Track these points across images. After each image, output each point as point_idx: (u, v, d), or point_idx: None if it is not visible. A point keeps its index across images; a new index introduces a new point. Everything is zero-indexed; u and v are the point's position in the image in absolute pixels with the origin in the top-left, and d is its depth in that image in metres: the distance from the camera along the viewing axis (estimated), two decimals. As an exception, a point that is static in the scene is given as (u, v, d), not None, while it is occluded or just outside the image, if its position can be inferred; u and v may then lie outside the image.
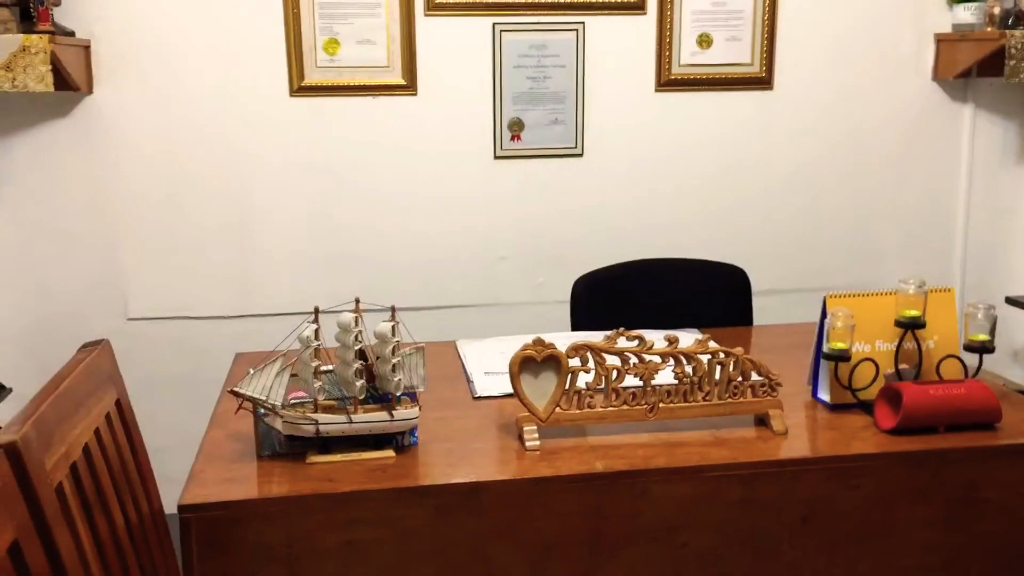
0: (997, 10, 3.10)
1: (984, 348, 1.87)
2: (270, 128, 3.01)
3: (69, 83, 2.72)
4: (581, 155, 3.18)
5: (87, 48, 2.85)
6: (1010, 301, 3.20)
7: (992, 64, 3.12)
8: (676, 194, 3.25)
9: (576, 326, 2.62)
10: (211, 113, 2.98)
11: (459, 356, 2.27)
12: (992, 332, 1.88)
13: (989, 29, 3.12)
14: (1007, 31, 3.04)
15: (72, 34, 2.78)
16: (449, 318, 3.16)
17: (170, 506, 1.58)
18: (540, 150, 3.16)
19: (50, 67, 2.55)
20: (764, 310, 2.83)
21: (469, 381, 2.08)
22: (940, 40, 3.28)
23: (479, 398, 1.99)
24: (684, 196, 3.26)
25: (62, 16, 2.77)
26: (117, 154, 2.96)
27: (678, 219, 3.26)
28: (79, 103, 2.91)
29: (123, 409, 1.40)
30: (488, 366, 2.15)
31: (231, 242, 3.06)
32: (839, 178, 3.35)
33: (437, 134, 3.10)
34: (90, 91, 2.89)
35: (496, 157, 3.14)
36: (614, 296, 2.65)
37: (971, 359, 1.89)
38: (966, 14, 3.17)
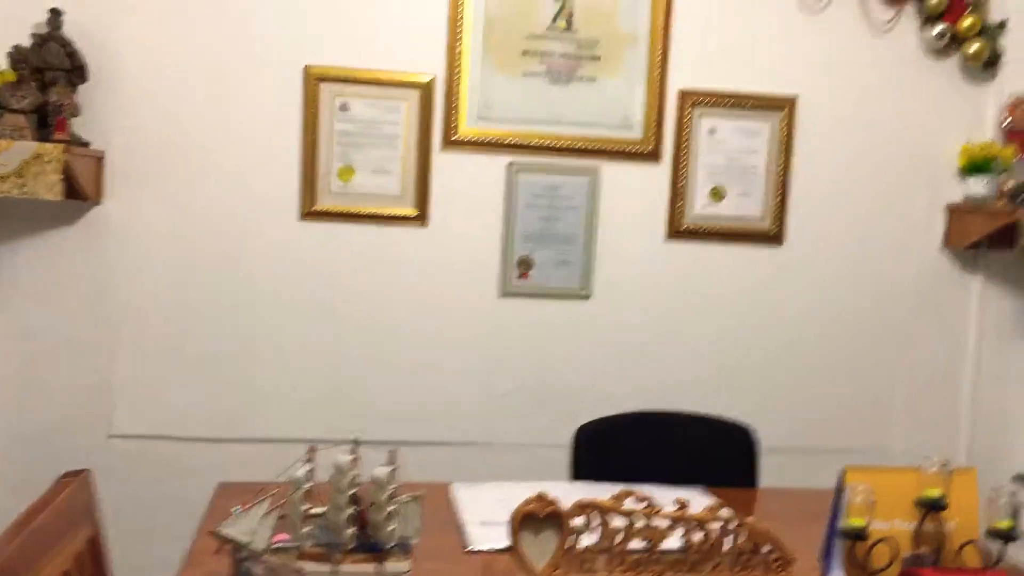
0: (1009, 184, 3.12)
1: (1008, 536, 1.78)
2: (278, 251, 2.98)
3: (79, 192, 2.69)
4: (588, 298, 3.14)
5: (100, 159, 2.84)
6: (1019, 478, 3.11)
7: (1003, 237, 3.12)
8: (683, 344, 3.20)
9: (577, 475, 2.52)
10: (219, 231, 2.95)
11: (452, 501, 2.17)
12: (1016, 518, 1.79)
13: (1000, 203, 3.14)
14: (1020, 207, 3.05)
15: (87, 144, 2.77)
16: (445, 455, 3.05)
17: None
18: (547, 290, 3.12)
19: (62, 176, 2.52)
20: (768, 467, 2.73)
21: (462, 530, 1.97)
22: (951, 210, 3.30)
23: (473, 550, 1.88)
24: (691, 346, 3.21)
25: (79, 125, 2.77)
26: (121, 265, 2.91)
27: (684, 369, 3.20)
28: (87, 212, 2.88)
29: (96, 547, 1.30)
30: (483, 515, 2.04)
31: (228, 363, 2.98)
32: (847, 340, 3.30)
33: (445, 267, 3.06)
34: (99, 201, 2.87)
35: (503, 295, 3.10)
36: (617, 447, 2.56)
37: (992, 545, 1.80)
38: (978, 186, 3.20)
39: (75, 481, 1.24)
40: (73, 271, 2.89)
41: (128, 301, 2.92)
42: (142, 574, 2.53)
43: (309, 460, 1.58)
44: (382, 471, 1.58)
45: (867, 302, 3.30)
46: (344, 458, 1.58)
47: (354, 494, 1.59)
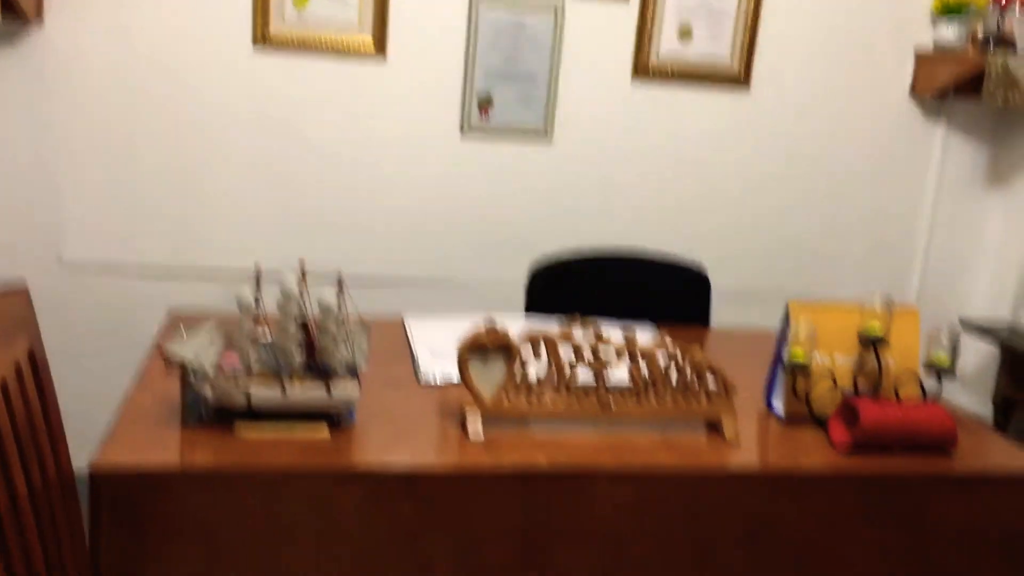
0: (980, 31, 3.07)
1: (945, 371, 1.83)
2: (229, 78, 2.88)
3: (16, 11, 2.56)
4: (549, 138, 3.10)
5: (40, -25, 2.70)
6: (965, 324, 3.19)
7: (970, 85, 3.09)
8: (643, 186, 3.19)
9: (531, 311, 2.54)
10: (169, 55, 2.84)
11: (407, 333, 2.18)
12: (954, 355, 1.84)
13: (970, 50, 3.09)
14: (988, 54, 3.01)
15: (24, -41, 2.62)
16: (400, 291, 3.06)
17: (84, 463, 1.47)
18: (508, 129, 3.06)
19: (-3, -9, 2.39)
20: (721, 311, 2.78)
21: (415, 362, 1.99)
22: (920, 57, 3.25)
23: (424, 381, 1.90)
24: (651, 189, 3.20)
25: (15, -61, 2.61)
26: (66, 89, 2.81)
27: (643, 211, 3.20)
28: (28, 35, 2.75)
29: (36, 360, 1.29)
30: (436, 347, 2.06)
31: (179, 192, 2.92)
32: (807, 184, 3.31)
33: (404, 103, 2.99)
34: (40, 21, 2.73)
35: (462, 132, 3.04)
36: (571, 284, 2.58)
37: (930, 380, 1.85)
38: (948, 32, 3.14)
39: (10, 294, 1.22)
40: (15, 96, 2.79)
41: (73, 127, 2.83)
42: (91, 399, 2.55)
43: (256, 283, 1.57)
44: (329, 296, 1.57)
45: (830, 148, 3.30)
46: (292, 282, 1.56)
47: (303, 321, 1.59)
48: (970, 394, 3.38)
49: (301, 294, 1.57)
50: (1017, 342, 3.06)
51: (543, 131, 3.08)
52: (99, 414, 2.23)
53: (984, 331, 3.15)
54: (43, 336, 2.78)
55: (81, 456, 1.62)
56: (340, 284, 1.60)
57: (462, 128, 3.04)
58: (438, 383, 1.88)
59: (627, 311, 2.43)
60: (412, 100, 2.99)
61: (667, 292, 2.62)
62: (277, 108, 2.93)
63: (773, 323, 2.44)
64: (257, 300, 1.55)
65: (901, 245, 3.43)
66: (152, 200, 2.91)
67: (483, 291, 3.12)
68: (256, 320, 1.55)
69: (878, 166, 3.34)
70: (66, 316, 2.90)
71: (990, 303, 3.44)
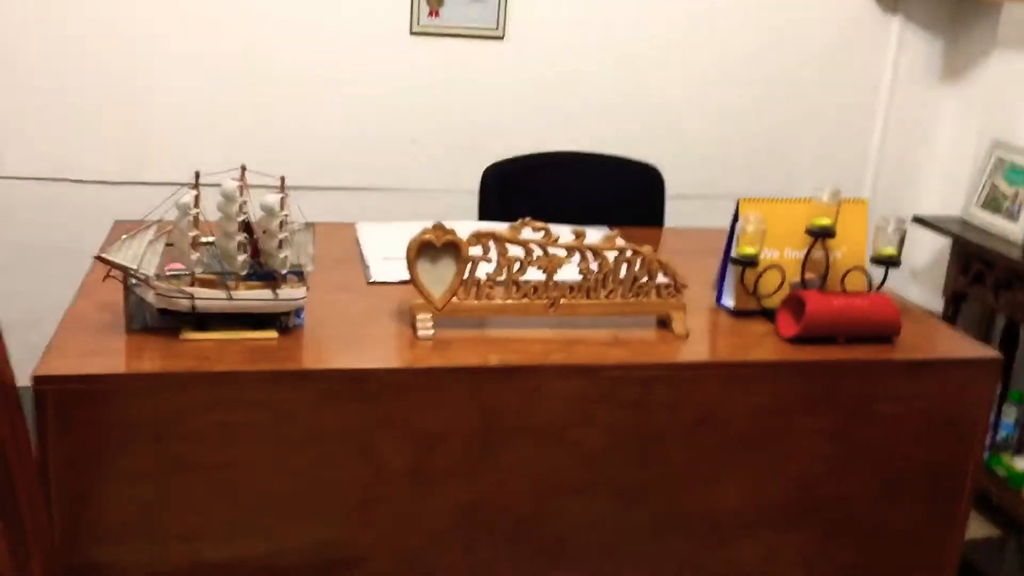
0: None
1: (891, 262, 1.84)
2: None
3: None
4: (502, 38, 3.03)
5: None
6: (917, 220, 3.22)
7: (925, -23, 3.06)
8: (597, 87, 3.14)
9: (484, 216, 2.52)
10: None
11: (356, 239, 2.16)
12: (900, 247, 1.85)
13: (926, -60, 3.05)
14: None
15: None
16: (352, 200, 3.02)
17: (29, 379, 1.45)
18: (460, 29, 2.99)
19: None
20: (676, 213, 2.77)
21: (365, 265, 1.98)
22: (876, -53, 3.20)
23: (374, 283, 1.89)
24: (606, 89, 3.15)
25: None
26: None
27: (596, 112, 3.16)
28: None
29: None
30: (387, 251, 2.04)
31: (121, 100, 2.84)
32: (761, 82, 3.28)
33: (352, 3, 2.90)
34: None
35: (412, 33, 2.97)
36: (525, 188, 2.56)
37: (877, 272, 1.87)
38: (905, -78, 3.09)
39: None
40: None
41: (4, 28, 2.72)
42: (39, 306, 2.50)
43: (195, 187, 1.53)
44: (272, 198, 1.54)
45: (783, 40, 3.26)
46: (232, 184, 1.53)
47: (245, 222, 1.56)
48: (923, 288, 3.44)
49: (242, 196, 1.53)
50: (968, 236, 3.10)
51: (496, 30, 3.01)
52: (43, 327, 2.20)
53: (935, 227, 3.18)
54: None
55: (25, 369, 1.61)
56: (283, 185, 1.57)
57: (412, 30, 2.96)
58: (388, 283, 1.87)
59: (582, 213, 2.41)
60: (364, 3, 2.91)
61: (621, 193, 2.61)
62: (220, 10, 2.83)
63: (725, 223, 2.45)
64: (197, 201, 1.52)
65: (855, 142, 3.43)
66: (94, 111, 2.83)
67: (437, 198, 3.09)
68: (196, 223, 1.52)
69: (833, 61, 3.31)
70: (7, 229, 2.83)
71: (943, 198, 3.47)
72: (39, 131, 2.81)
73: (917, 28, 3.34)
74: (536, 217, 2.22)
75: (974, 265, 3.10)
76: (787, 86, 3.30)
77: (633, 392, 1.62)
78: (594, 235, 1.73)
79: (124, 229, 2.04)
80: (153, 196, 2.84)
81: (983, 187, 3.21)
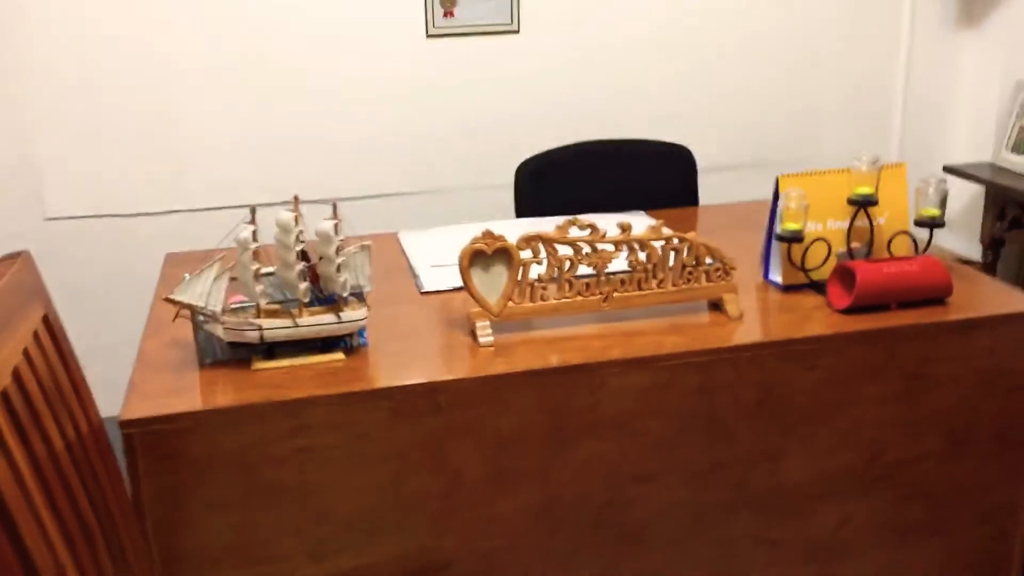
0: None
1: (935, 223, 1.86)
2: (189, 8, 2.81)
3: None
4: (517, 31, 3.05)
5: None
6: (948, 169, 3.21)
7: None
8: (615, 72, 3.16)
9: (521, 212, 2.55)
10: (120, -5, 2.77)
11: (401, 249, 2.20)
12: (943, 206, 1.87)
13: None
14: None
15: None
16: (386, 207, 3.07)
17: (104, 412, 1.50)
18: (475, 27, 3.01)
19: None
20: (707, 187, 2.79)
21: (414, 275, 2.01)
22: (883, -99, 3.18)
23: (426, 293, 1.92)
24: (623, 72, 3.17)
25: None
26: (28, 33, 2.73)
27: (619, 97, 3.18)
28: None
29: (51, 324, 1.31)
30: (434, 259, 2.08)
31: (154, 132, 2.89)
32: (779, 46, 3.28)
33: (366, 12, 2.93)
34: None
35: (429, 36, 2.99)
36: (559, 180, 2.58)
37: (921, 233, 1.88)
38: None
39: (16, 262, 1.23)
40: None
41: (39, 72, 2.77)
42: (102, 352, 2.57)
43: (251, 221, 1.57)
44: (327, 224, 1.58)
45: (798, 5, 3.25)
46: (287, 215, 1.57)
47: (302, 251, 1.60)
48: (958, 238, 3.44)
49: (298, 226, 1.57)
50: (1001, 181, 3.10)
51: (510, 24, 3.03)
52: (108, 362, 2.26)
53: (968, 175, 3.18)
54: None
55: (102, 405, 1.66)
56: (335, 210, 1.61)
57: (428, 32, 2.99)
58: (440, 292, 1.91)
59: (615, 199, 2.45)
60: (375, 9, 2.93)
61: (653, 175, 2.63)
62: (243, 33, 2.87)
63: (759, 193, 2.47)
64: (255, 235, 1.56)
65: (879, 97, 3.42)
66: (129, 147, 2.88)
67: (470, 197, 3.12)
68: (256, 256, 1.56)
69: (850, 16, 3.30)
70: (59, 272, 2.89)
71: (972, 145, 3.46)
72: (77, 174, 2.87)
73: (933, -25, 3.32)
74: (573, 207, 2.26)
75: (1010, 210, 3.10)
76: (806, 48, 3.29)
77: (694, 378, 1.65)
78: (639, 226, 1.75)
79: (176, 261, 2.10)
80: (193, 223, 2.93)
81: (1012, 130, 3.20)
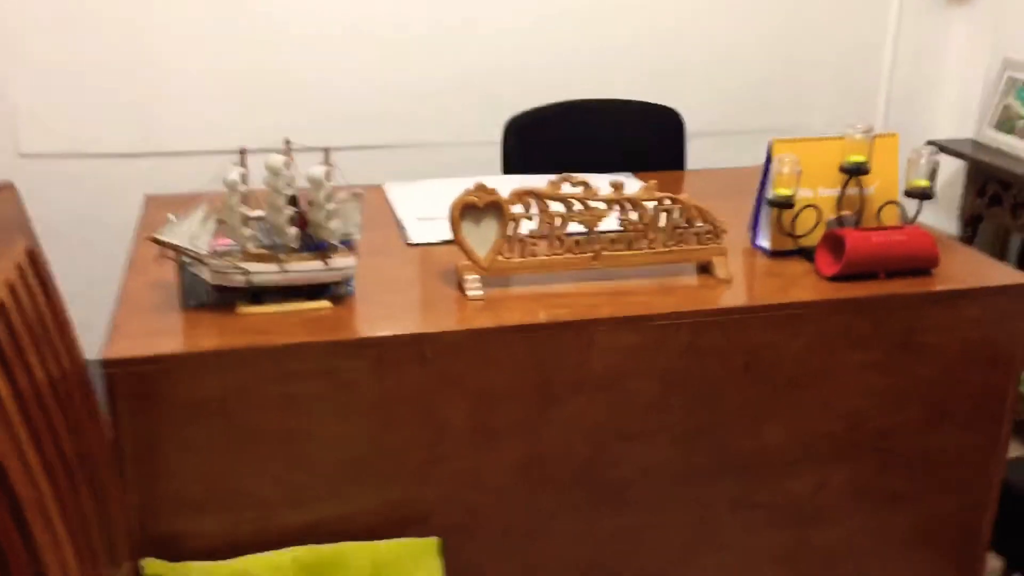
0: None
1: (925, 194, 1.86)
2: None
3: None
4: (511, -17, 3.00)
5: None
6: (931, 144, 3.21)
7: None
8: (606, 28, 3.12)
9: (508, 169, 2.52)
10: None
11: (387, 200, 2.17)
12: (933, 178, 1.87)
13: None
14: None
15: None
16: (375, 158, 3.02)
17: (86, 353, 1.47)
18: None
19: None
20: (694, 151, 2.78)
21: (401, 227, 1.99)
22: None
23: (413, 244, 1.90)
24: (615, 30, 3.13)
25: None
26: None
27: (609, 54, 3.14)
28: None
29: (35, 259, 1.28)
30: (420, 211, 2.06)
31: (134, 70, 2.82)
32: (770, 14, 3.26)
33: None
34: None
35: (417, -16, 2.94)
36: (546, 139, 2.56)
37: (909, 204, 1.89)
38: None
39: (1, 191, 1.20)
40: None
41: (13, 8, 2.69)
42: (77, 292, 2.52)
43: (241, 164, 1.54)
44: (319, 170, 1.55)
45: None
46: (278, 158, 1.54)
47: (292, 196, 1.57)
48: (938, 212, 3.46)
49: (289, 170, 1.54)
50: (982, 157, 3.11)
51: (502, -23, 2.98)
52: (83, 302, 2.22)
53: (950, 150, 3.19)
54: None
55: (83, 343, 1.63)
56: (327, 157, 1.58)
57: (418, -19, 2.93)
58: (427, 244, 1.89)
59: (603, 159, 2.43)
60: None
61: (643, 137, 2.61)
62: (224, -25, 2.80)
63: (744, 159, 2.46)
64: (244, 178, 1.53)
65: (866, 70, 3.42)
66: (109, 84, 2.81)
67: (456, 152, 3.09)
68: (245, 200, 1.53)
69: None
70: (33, 210, 2.83)
71: (956, 122, 3.47)
72: (53, 108, 2.79)
73: (924, -50, 3.31)
74: (560, 166, 2.24)
75: (990, 187, 3.12)
76: (796, 17, 3.28)
77: (683, 339, 1.65)
78: (632, 185, 1.74)
79: (157, 203, 2.06)
80: (173, 165, 2.87)
81: (996, 108, 3.21)
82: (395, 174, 2.95)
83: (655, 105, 2.67)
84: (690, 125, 2.71)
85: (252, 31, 2.87)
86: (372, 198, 2.17)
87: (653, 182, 1.75)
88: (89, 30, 2.75)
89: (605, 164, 2.39)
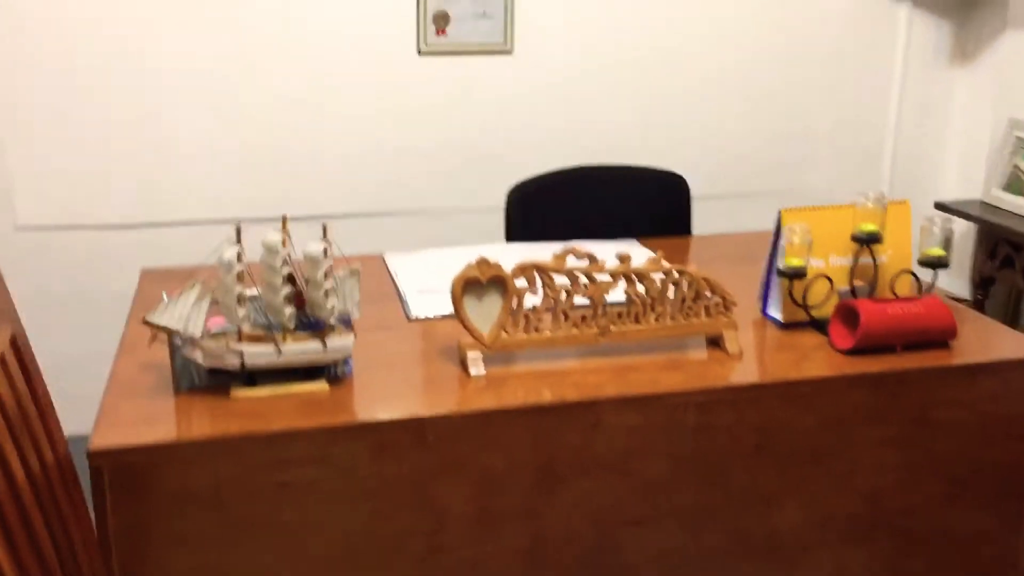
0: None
1: (939, 263, 1.81)
2: (173, 11, 2.73)
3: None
4: (511, 52, 3.00)
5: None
6: (939, 206, 3.19)
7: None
8: (610, 96, 3.11)
9: (511, 237, 2.48)
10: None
11: (388, 271, 2.13)
12: (947, 246, 1.82)
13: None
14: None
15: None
16: (372, 226, 2.99)
17: (71, 429, 1.41)
18: (468, 46, 2.96)
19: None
20: (698, 216, 2.75)
21: (402, 300, 1.94)
22: (881, -66, 3.17)
23: (415, 319, 1.85)
24: (617, 97, 3.12)
25: None
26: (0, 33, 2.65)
27: (612, 121, 3.13)
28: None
29: (19, 347, 1.23)
30: (422, 283, 2.01)
31: (132, 140, 2.80)
32: (772, 77, 3.25)
33: (357, 27, 2.87)
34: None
35: (420, 53, 2.93)
36: (550, 205, 2.52)
37: (924, 273, 1.84)
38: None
39: (-17, 283, 1.15)
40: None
41: (10, 76, 2.68)
42: (70, 367, 2.48)
43: (237, 240, 1.50)
44: (316, 247, 1.50)
45: (791, 38, 3.23)
46: (274, 236, 1.50)
47: (288, 274, 1.53)
48: (949, 274, 3.41)
49: (285, 248, 1.50)
50: (992, 219, 3.07)
51: (504, 44, 2.98)
52: (76, 377, 2.18)
53: (959, 212, 3.15)
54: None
55: (70, 422, 1.57)
56: (324, 232, 1.53)
57: (420, 50, 2.92)
58: (429, 319, 1.84)
59: (609, 227, 2.40)
60: (366, 25, 2.87)
61: (647, 204, 2.58)
62: (225, 40, 2.79)
63: (750, 222, 2.42)
64: (239, 256, 1.49)
65: (870, 131, 3.40)
66: (105, 155, 2.79)
67: (458, 220, 3.06)
68: (240, 278, 1.49)
69: (843, 51, 3.29)
70: (29, 283, 2.81)
71: (962, 182, 3.44)
72: (50, 180, 2.77)
73: (926, 12, 3.30)
74: (564, 233, 2.19)
75: (1001, 249, 3.07)
76: (799, 80, 3.27)
77: (691, 418, 1.59)
78: (638, 256, 1.69)
79: (153, 277, 2.02)
80: (171, 236, 2.84)
81: (1004, 169, 3.18)
82: (396, 241, 2.93)
83: (657, 170, 2.64)
84: (694, 188, 2.68)
85: (251, 100, 2.85)
86: (373, 268, 2.14)
87: (660, 253, 1.70)
88: (85, 102, 2.74)
89: (609, 230, 2.35)
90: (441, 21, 2.92)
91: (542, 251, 2.16)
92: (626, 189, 2.60)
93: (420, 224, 3.04)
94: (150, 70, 2.76)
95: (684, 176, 2.63)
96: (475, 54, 2.97)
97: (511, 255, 2.11)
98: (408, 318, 1.86)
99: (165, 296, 1.48)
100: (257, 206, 2.88)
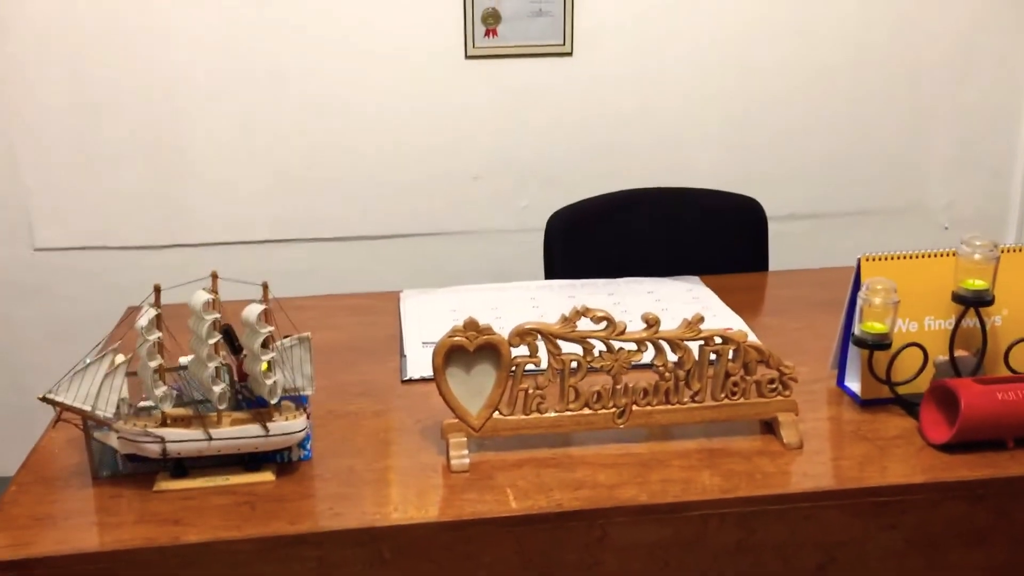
0: None
1: (1072, 330, 1.40)
2: (196, 20, 2.50)
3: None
4: (570, 53, 2.66)
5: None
6: (1078, 231, 2.70)
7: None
8: (682, 103, 2.73)
9: (551, 271, 2.15)
10: (115, 20, 2.48)
11: (399, 314, 1.84)
12: (1083, 308, 1.41)
13: None
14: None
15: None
16: (416, 248, 2.70)
17: None
18: (520, 48, 2.63)
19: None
20: (782, 237, 2.36)
21: (402, 355, 1.65)
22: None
23: (408, 381, 1.56)
24: (691, 105, 2.73)
25: None
26: (15, 54, 2.48)
27: (682, 133, 2.74)
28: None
29: None
30: (427, 333, 1.71)
31: (154, 159, 2.59)
32: (882, 81, 2.79)
33: (400, 28, 2.58)
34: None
35: (468, 57, 2.63)
36: (599, 233, 2.18)
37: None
38: None
39: None
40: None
41: (28, 95, 2.51)
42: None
43: (155, 303, 1.23)
44: (252, 311, 1.22)
45: (902, 34, 2.77)
46: (202, 296, 1.22)
47: (230, 339, 1.25)
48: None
49: (215, 311, 1.22)
50: None
51: (562, 45, 2.64)
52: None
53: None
54: (26, 326, 2.55)
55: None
56: (265, 294, 1.24)
57: (467, 53, 2.62)
58: (425, 380, 1.53)
59: (669, 260, 2.06)
60: (410, 25, 2.58)
61: (717, 233, 2.21)
62: (253, 49, 2.55)
63: (844, 248, 2.06)
64: (159, 322, 1.21)
65: (996, 147, 2.90)
66: (125, 171, 2.59)
67: (504, 240, 2.74)
68: (160, 351, 1.21)
69: (965, 52, 2.81)
70: (48, 306, 2.65)
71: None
72: (68, 202, 2.60)
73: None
74: (612, 268, 1.86)
75: None
76: (917, 83, 2.80)
77: (731, 534, 1.24)
78: (686, 296, 1.34)
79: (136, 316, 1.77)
80: (195, 258, 2.62)
81: None
82: (433, 265, 2.67)
83: (732, 194, 2.26)
84: (777, 207, 2.29)
85: (279, 113, 2.60)
86: (385, 309, 1.86)
87: (698, 315, 1.35)
88: (104, 123, 2.55)
89: (668, 266, 2.00)
90: (491, 20, 2.60)
91: (585, 291, 1.84)
92: (691, 216, 2.24)
93: (463, 245, 2.72)
94: (172, 88, 2.54)
95: (766, 190, 2.26)
96: (529, 56, 2.64)
97: (548, 296, 1.81)
98: (402, 379, 1.56)
99: (73, 369, 1.21)
100: (285, 226, 2.64)
